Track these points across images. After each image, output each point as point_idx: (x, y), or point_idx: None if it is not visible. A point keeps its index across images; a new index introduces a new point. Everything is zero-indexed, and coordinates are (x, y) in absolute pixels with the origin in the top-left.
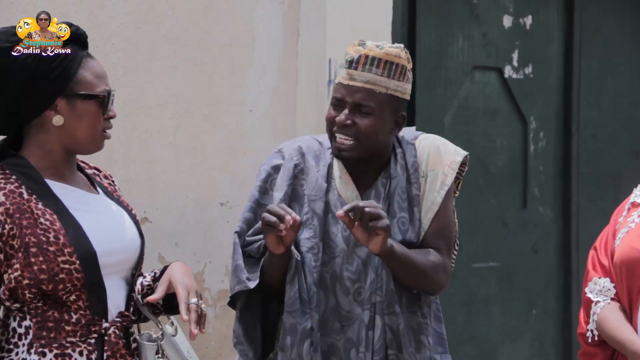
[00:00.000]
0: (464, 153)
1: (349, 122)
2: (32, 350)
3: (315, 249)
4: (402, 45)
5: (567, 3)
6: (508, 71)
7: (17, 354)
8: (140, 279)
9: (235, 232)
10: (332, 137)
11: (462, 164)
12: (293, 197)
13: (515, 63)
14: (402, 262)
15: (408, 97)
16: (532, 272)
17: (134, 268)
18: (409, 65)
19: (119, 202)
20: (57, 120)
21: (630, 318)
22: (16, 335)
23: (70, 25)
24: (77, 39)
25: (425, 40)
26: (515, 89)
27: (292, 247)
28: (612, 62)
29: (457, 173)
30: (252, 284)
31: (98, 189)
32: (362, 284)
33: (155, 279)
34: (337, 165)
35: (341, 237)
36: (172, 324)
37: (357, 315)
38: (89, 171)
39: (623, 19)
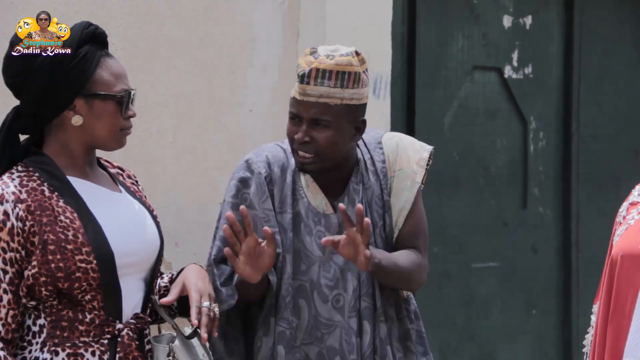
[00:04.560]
0: (430, 148)
1: (307, 139)
2: (45, 349)
3: (280, 262)
4: (353, 50)
5: (567, 3)
6: (508, 71)
7: (30, 351)
8: (157, 280)
9: (212, 259)
10: (294, 152)
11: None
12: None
13: (515, 63)
14: (390, 272)
15: (366, 100)
16: (532, 272)
17: (152, 269)
18: (363, 68)
19: (141, 202)
20: (76, 120)
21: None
22: (30, 333)
23: (89, 25)
24: (97, 39)
25: (425, 40)
26: (515, 89)
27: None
28: (612, 62)
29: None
30: (233, 300)
31: (120, 187)
32: (340, 291)
33: (172, 281)
34: (303, 174)
35: (316, 245)
36: (192, 326)
37: (337, 323)
38: (112, 170)
39: (623, 19)
